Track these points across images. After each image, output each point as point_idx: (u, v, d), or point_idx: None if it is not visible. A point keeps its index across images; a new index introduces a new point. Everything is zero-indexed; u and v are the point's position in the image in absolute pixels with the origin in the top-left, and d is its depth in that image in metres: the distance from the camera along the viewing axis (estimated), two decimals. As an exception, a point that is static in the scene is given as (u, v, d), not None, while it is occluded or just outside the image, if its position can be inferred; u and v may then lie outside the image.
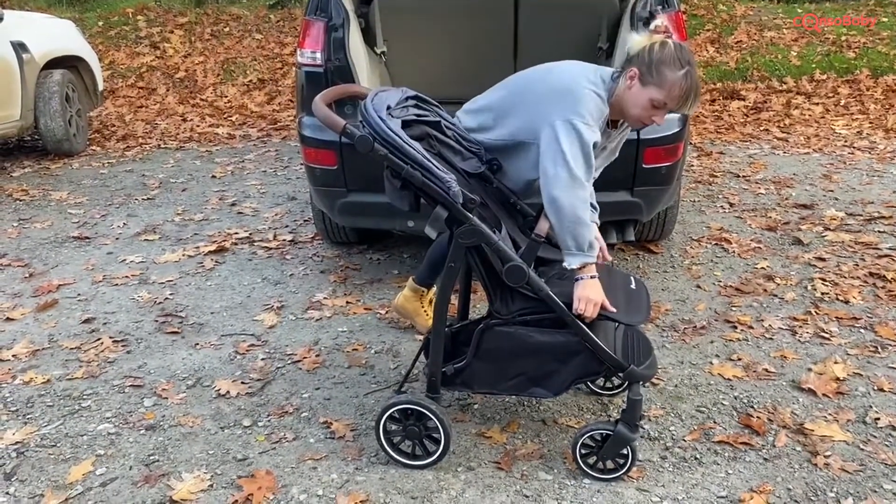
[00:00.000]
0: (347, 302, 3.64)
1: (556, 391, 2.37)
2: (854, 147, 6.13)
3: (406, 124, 2.30)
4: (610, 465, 2.35)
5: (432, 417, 2.36)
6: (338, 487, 2.37)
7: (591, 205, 2.40)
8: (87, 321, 3.54)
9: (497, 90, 2.55)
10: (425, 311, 3.14)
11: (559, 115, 2.25)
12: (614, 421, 2.34)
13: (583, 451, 2.36)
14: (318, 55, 3.41)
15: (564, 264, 2.29)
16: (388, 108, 2.27)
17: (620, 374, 2.35)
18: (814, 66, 8.12)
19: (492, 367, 2.37)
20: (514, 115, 2.42)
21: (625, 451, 2.32)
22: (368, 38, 3.89)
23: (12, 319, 3.58)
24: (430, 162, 2.20)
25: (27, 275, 4.11)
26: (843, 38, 8.57)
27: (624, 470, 2.34)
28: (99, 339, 3.34)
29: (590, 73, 2.37)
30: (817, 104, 7.38)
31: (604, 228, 3.46)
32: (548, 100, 2.32)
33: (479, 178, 2.52)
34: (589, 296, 2.24)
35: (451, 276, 2.33)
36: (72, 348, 3.29)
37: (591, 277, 2.27)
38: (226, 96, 8.73)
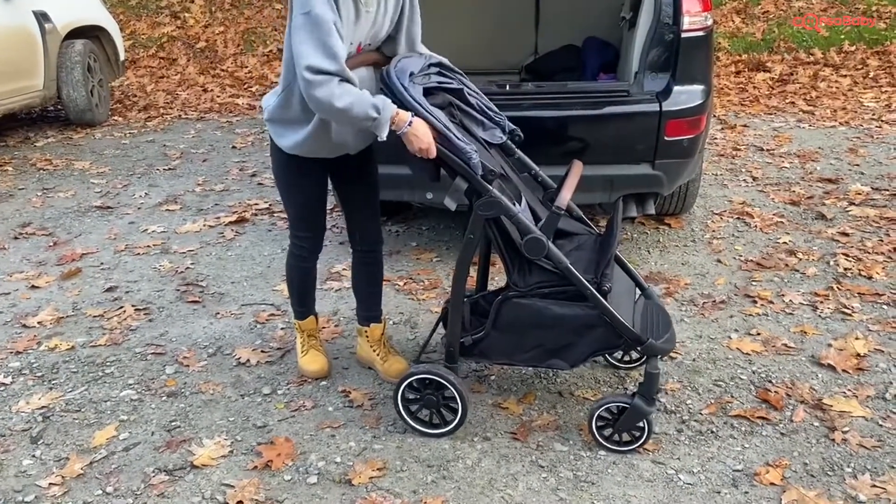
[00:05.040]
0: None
1: (574, 363, 2.37)
2: (882, 120, 6.01)
3: (428, 91, 2.28)
4: (626, 437, 2.36)
5: (450, 387, 2.38)
6: (355, 455, 2.40)
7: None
8: (109, 290, 3.60)
9: None
10: (374, 350, 2.83)
11: (293, 14, 2.10)
12: (631, 394, 2.35)
13: (599, 424, 2.37)
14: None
15: (379, 138, 2.19)
16: (411, 74, 2.25)
17: (639, 348, 2.35)
18: (842, 37, 7.94)
19: (510, 338, 2.38)
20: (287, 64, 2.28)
21: (641, 424, 2.33)
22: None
23: (37, 287, 3.64)
24: (450, 132, 2.18)
25: (51, 243, 4.16)
26: (874, 7, 8.36)
27: (640, 442, 2.35)
28: (121, 308, 3.39)
29: None
30: (845, 76, 7.23)
31: (624, 201, 3.46)
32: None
33: (501, 148, 2.51)
34: (417, 138, 2.16)
35: (470, 247, 2.32)
36: (95, 316, 3.34)
37: (409, 124, 2.16)
38: (246, 66, 8.72)
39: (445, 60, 2.48)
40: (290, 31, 2.18)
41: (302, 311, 2.82)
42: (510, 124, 2.50)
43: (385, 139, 2.20)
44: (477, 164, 2.18)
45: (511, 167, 2.51)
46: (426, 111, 2.18)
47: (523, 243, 2.23)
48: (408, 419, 2.46)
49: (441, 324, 2.63)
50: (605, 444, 2.37)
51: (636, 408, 2.28)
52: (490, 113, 2.47)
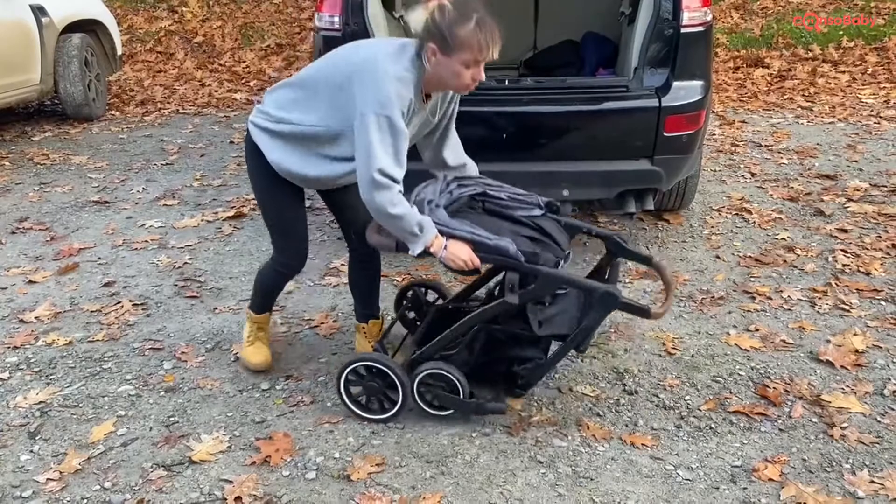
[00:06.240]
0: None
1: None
2: (880, 116, 6.01)
3: (450, 203, 2.44)
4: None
5: (391, 375, 2.44)
6: (354, 450, 2.40)
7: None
8: (107, 285, 3.59)
9: (304, 70, 2.44)
10: (373, 346, 2.82)
11: (368, 105, 2.17)
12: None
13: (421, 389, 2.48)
14: (337, 19, 3.38)
15: (410, 251, 2.31)
16: (429, 202, 2.38)
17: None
18: (841, 33, 7.93)
19: (472, 359, 2.50)
20: (320, 98, 2.33)
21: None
22: (387, 2, 3.84)
23: (35, 282, 3.63)
24: (480, 236, 2.29)
25: (48, 238, 4.15)
26: (873, 3, 8.35)
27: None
28: (119, 303, 3.39)
29: (393, 55, 2.25)
30: (844, 72, 7.23)
31: (623, 197, 3.46)
32: (351, 91, 2.22)
33: (546, 217, 2.56)
34: (456, 257, 2.28)
35: (504, 310, 2.39)
36: (93, 311, 3.34)
37: (444, 248, 2.29)
38: (244, 61, 8.70)
39: (470, 165, 2.61)
40: (357, 110, 2.19)
41: (260, 306, 2.83)
42: (542, 199, 2.56)
43: (416, 256, 2.31)
44: (516, 252, 2.27)
45: (560, 230, 2.56)
46: (451, 229, 2.30)
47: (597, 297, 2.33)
48: (347, 400, 2.53)
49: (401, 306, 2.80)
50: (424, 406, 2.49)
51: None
52: (520, 198, 2.54)
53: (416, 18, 2.25)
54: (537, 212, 2.53)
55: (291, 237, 2.62)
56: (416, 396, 2.47)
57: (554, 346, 2.56)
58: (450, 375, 2.41)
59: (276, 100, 2.42)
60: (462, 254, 2.29)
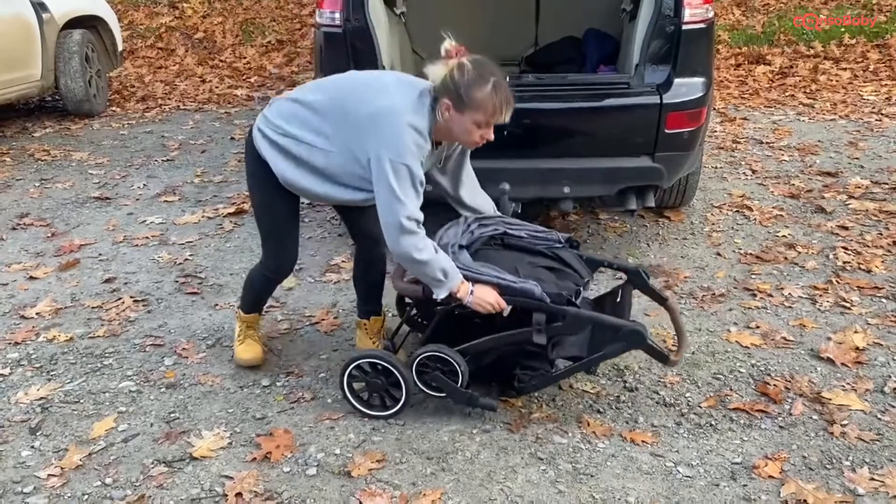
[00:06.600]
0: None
1: None
2: (882, 114, 6.00)
3: (471, 243, 2.50)
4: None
5: (395, 373, 2.44)
6: (355, 447, 2.40)
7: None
8: (108, 281, 3.59)
9: (317, 91, 2.45)
10: (374, 342, 2.87)
11: (385, 150, 2.21)
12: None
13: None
14: (337, 15, 3.37)
15: (434, 296, 2.34)
16: (452, 245, 2.42)
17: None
18: (843, 30, 7.92)
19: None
20: (331, 127, 2.34)
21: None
22: (388, -2, 3.84)
23: (36, 278, 3.63)
24: (505, 280, 2.33)
25: (49, 234, 4.15)
26: (875, 0, 8.34)
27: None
28: (120, 299, 3.39)
29: (412, 105, 2.28)
30: (845, 69, 7.21)
31: (624, 194, 3.45)
32: (367, 132, 2.26)
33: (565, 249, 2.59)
34: (483, 302, 2.32)
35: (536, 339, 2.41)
36: (93, 307, 3.34)
37: (471, 292, 2.32)
38: (244, 57, 8.69)
39: (487, 203, 2.65)
40: (373, 152, 2.23)
41: (250, 307, 2.85)
42: (562, 235, 2.61)
43: (440, 300, 2.35)
44: (541, 294, 2.30)
45: (580, 260, 2.60)
46: (476, 273, 2.34)
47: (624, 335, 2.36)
48: (351, 398, 2.54)
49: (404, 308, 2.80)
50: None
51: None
52: (541, 235, 2.59)
53: (436, 72, 2.30)
54: (557, 246, 2.59)
55: (284, 243, 2.63)
56: (415, 373, 2.47)
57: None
58: (454, 362, 2.41)
59: (285, 113, 2.42)
60: (489, 297, 2.33)
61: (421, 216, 2.27)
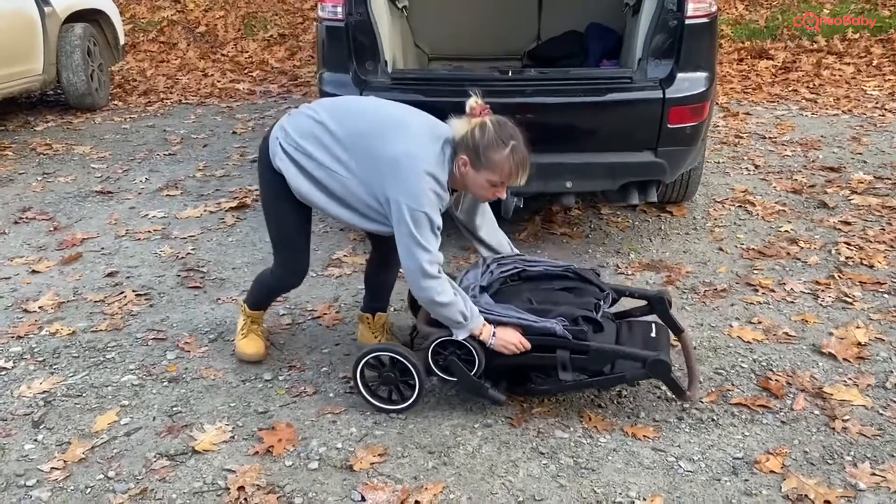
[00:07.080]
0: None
1: None
2: (885, 109, 5.98)
3: (491, 283, 2.55)
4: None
5: (408, 366, 2.44)
6: (356, 441, 2.40)
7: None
8: (110, 275, 3.59)
9: (342, 118, 2.43)
10: (376, 338, 2.87)
11: (405, 197, 2.25)
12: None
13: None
14: (339, 9, 3.37)
15: (455, 337, 2.37)
16: (472, 288, 2.46)
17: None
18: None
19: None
20: (356, 162, 2.36)
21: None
22: (390, -8, 3.84)
23: (38, 272, 3.63)
24: (527, 320, 2.36)
25: (52, 228, 4.16)
26: (878, -5, 8.32)
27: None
28: (122, 293, 3.39)
29: (434, 155, 2.31)
30: (849, 64, 7.19)
31: (626, 189, 3.45)
32: (387, 173, 2.29)
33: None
34: (506, 343, 2.36)
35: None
36: (96, 301, 3.34)
37: (493, 335, 2.36)
38: (246, 51, 8.68)
39: (506, 244, 2.70)
40: (392, 195, 2.27)
41: (256, 304, 2.85)
42: (580, 269, 2.66)
43: (460, 340, 2.38)
44: (563, 332, 2.34)
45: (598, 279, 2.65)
46: (497, 315, 2.39)
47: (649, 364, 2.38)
48: (364, 393, 2.53)
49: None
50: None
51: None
52: (557, 270, 2.65)
53: (458, 127, 2.33)
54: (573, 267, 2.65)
55: (293, 252, 2.64)
56: (431, 355, 2.46)
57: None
58: (472, 349, 2.40)
59: (306, 132, 2.41)
60: (513, 339, 2.37)
61: (441, 258, 2.32)
